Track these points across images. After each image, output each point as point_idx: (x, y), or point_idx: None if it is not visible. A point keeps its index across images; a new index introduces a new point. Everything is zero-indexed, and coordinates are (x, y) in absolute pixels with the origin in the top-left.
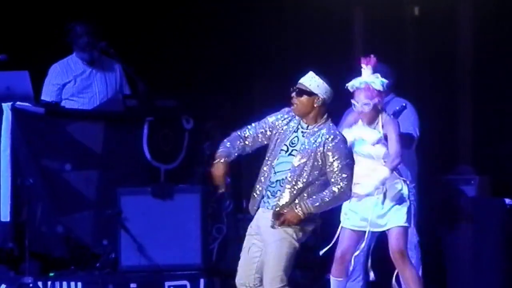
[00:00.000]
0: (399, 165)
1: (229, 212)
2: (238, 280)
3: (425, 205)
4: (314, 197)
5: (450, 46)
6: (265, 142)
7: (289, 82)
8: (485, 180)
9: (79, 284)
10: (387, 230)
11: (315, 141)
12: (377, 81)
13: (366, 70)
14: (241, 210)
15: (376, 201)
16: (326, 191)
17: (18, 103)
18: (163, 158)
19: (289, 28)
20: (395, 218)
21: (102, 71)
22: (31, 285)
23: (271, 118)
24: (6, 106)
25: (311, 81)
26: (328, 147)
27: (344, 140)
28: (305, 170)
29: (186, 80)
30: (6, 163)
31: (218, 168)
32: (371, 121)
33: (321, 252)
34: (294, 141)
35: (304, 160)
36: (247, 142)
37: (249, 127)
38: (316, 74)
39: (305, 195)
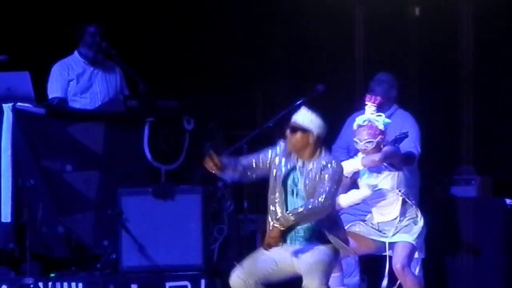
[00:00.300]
0: (375, 164)
1: (230, 212)
2: (238, 274)
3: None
4: (293, 209)
5: (450, 46)
6: (264, 172)
7: (289, 82)
8: (486, 180)
9: (80, 284)
10: (394, 242)
11: (315, 174)
12: (380, 120)
13: (370, 108)
14: (242, 211)
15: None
16: (304, 204)
17: (19, 103)
18: (164, 158)
19: (290, 28)
20: (404, 233)
21: (103, 71)
22: (32, 286)
23: (267, 153)
24: (7, 107)
25: (304, 117)
26: (327, 171)
27: (340, 167)
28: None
29: (187, 80)
30: (7, 164)
31: (208, 161)
32: None
33: None
34: (296, 181)
35: (311, 191)
36: (248, 170)
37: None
38: (308, 111)
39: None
